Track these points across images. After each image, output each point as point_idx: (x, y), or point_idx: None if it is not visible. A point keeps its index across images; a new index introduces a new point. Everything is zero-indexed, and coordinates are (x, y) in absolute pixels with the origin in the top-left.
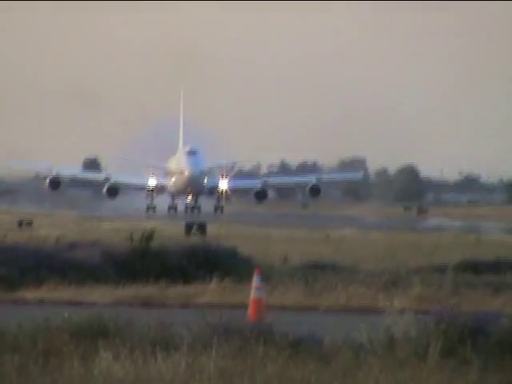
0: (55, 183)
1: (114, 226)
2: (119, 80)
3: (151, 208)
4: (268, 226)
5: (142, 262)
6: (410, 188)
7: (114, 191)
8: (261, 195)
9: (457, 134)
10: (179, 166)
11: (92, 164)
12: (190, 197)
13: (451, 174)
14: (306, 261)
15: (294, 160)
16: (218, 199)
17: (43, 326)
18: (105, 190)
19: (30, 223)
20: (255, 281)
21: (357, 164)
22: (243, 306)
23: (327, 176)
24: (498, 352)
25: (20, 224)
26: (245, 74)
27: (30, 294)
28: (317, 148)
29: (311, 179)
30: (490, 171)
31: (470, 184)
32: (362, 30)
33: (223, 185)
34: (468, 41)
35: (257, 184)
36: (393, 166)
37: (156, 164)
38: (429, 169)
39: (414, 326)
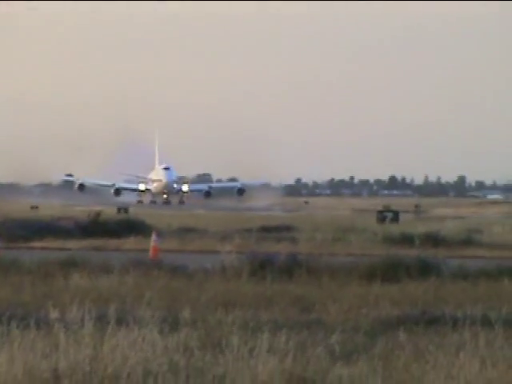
0: (82, 187)
1: (85, 209)
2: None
3: (140, 202)
4: (165, 209)
5: (95, 227)
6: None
7: (118, 192)
8: (208, 194)
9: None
10: (158, 176)
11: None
12: (165, 196)
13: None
14: (180, 226)
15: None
16: (181, 197)
17: (44, 260)
18: (112, 191)
19: (36, 207)
20: (153, 236)
21: (206, 177)
22: (147, 250)
23: (247, 183)
24: (279, 272)
25: (32, 208)
26: None
27: (37, 244)
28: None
29: (238, 184)
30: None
31: (267, 186)
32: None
33: (185, 188)
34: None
35: (205, 187)
36: (239, 175)
37: (135, 174)
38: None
39: (235, 260)
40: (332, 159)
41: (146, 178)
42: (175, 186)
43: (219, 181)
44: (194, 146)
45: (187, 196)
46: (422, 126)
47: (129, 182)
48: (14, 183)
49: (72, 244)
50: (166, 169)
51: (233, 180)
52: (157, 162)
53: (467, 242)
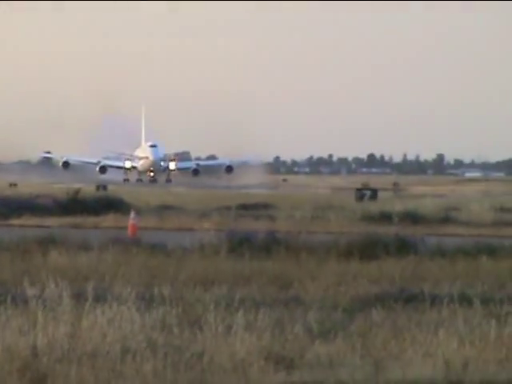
0: (67, 165)
1: (64, 186)
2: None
3: (126, 180)
4: (144, 187)
5: (73, 205)
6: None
7: (104, 170)
8: (196, 172)
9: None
10: (145, 154)
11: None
12: (151, 173)
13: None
14: (159, 204)
15: None
16: (168, 174)
17: (23, 237)
18: (97, 168)
19: (15, 185)
20: (132, 214)
21: (185, 155)
22: (126, 227)
23: (236, 160)
24: (257, 250)
25: (10, 185)
26: None
27: (15, 221)
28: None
29: (226, 162)
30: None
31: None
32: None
33: (172, 166)
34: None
35: (193, 165)
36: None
37: (120, 151)
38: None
39: (214, 237)
40: (311, 137)
41: (132, 156)
42: (162, 163)
43: (198, 158)
44: (171, 124)
45: (174, 174)
46: (400, 104)
47: (112, 159)
48: None
49: (51, 221)
50: (153, 146)
51: (212, 158)
52: (143, 139)
53: (445, 219)
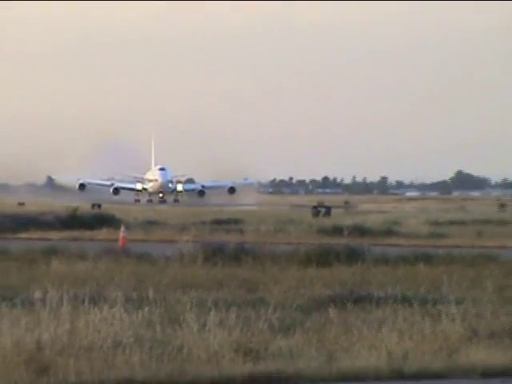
0: (83, 187)
1: (65, 205)
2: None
3: (137, 201)
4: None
5: (72, 221)
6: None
7: (117, 191)
8: (201, 193)
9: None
10: (154, 176)
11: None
12: (161, 194)
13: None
14: (145, 219)
15: None
16: (176, 195)
17: (29, 249)
18: (111, 190)
19: (23, 204)
20: (122, 228)
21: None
22: (117, 240)
23: (243, 182)
24: (228, 259)
25: (19, 204)
26: None
27: (22, 235)
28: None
29: (228, 183)
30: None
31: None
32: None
33: (179, 187)
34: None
35: (198, 186)
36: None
37: (134, 175)
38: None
39: (192, 248)
40: (274, 162)
41: (142, 178)
42: (170, 185)
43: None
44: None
45: (181, 195)
46: (350, 133)
47: (125, 181)
48: (4, 183)
49: (53, 235)
50: (162, 169)
51: (190, 181)
52: (153, 163)
53: (388, 232)
